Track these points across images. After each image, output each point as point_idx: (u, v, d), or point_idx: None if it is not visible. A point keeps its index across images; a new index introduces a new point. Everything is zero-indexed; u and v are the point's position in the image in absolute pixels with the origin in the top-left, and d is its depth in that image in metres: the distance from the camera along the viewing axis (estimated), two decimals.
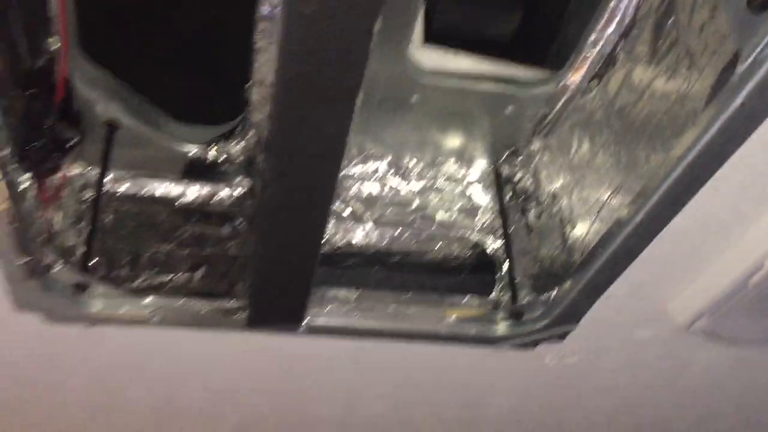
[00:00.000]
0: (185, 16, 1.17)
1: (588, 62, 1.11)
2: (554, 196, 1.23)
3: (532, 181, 1.28)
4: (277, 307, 1.07)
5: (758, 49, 0.70)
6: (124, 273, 1.14)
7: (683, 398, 1.45)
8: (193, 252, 1.19)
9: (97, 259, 1.12)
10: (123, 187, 1.20)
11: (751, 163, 0.84)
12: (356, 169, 1.30)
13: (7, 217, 0.89)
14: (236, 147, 1.25)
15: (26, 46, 0.88)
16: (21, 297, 1.04)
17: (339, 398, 1.42)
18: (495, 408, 1.48)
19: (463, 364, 1.29)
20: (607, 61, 1.08)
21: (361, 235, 1.28)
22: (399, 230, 1.30)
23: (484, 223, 1.32)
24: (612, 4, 1.04)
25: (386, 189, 1.31)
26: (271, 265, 0.97)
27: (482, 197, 1.33)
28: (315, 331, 1.13)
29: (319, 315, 1.13)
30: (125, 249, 1.16)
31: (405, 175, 1.32)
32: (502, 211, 1.30)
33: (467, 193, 1.34)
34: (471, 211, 1.33)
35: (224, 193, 1.24)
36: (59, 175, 1.06)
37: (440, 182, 1.33)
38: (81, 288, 1.07)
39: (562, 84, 1.17)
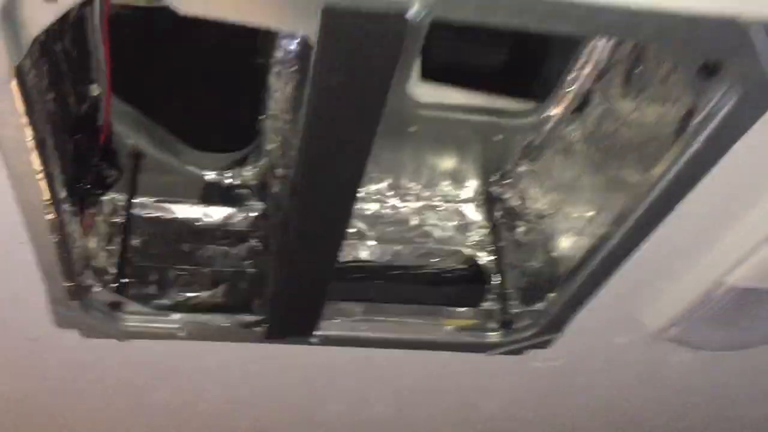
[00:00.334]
0: (203, 56, 1.28)
1: (569, 97, 1.24)
2: (540, 215, 1.35)
3: (520, 201, 1.40)
4: (293, 321, 1.19)
5: (710, 106, 0.82)
6: (152, 291, 1.26)
7: (658, 397, 1.58)
8: (214, 270, 1.30)
9: (128, 279, 1.24)
10: (148, 211, 1.32)
11: (712, 193, 0.96)
12: (359, 191, 1.42)
13: (55, 248, 1.00)
14: (250, 172, 1.37)
15: (73, 95, 1.00)
16: (61, 316, 1.15)
17: (346, 401, 1.54)
18: (488, 407, 1.61)
19: (458, 369, 1.41)
20: (586, 97, 1.20)
21: (365, 251, 1.40)
22: (399, 246, 1.42)
23: (476, 239, 1.44)
24: (589, 48, 1.16)
25: (387, 209, 1.43)
26: (290, 285, 1.09)
27: (474, 215, 1.45)
28: (326, 341, 1.25)
29: (329, 327, 1.25)
30: (153, 268, 1.28)
31: (404, 196, 1.44)
32: (493, 228, 1.42)
33: (461, 212, 1.46)
34: (464, 227, 1.45)
35: (240, 215, 1.36)
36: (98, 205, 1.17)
37: (436, 202, 1.45)
38: (116, 306, 1.18)
39: (545, 115, 1.29)
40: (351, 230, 1.40)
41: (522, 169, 1.39)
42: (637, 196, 1.00)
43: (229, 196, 1.36)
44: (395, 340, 1.28)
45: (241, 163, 1.38)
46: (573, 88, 1.23)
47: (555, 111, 1.28)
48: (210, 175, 1.36)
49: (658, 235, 1.03)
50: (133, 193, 1.29)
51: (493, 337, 1.30)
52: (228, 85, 1.30)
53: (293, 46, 1.09)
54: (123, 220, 1.26)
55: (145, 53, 1.23)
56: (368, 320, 1.27)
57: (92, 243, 1.21)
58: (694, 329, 1.20)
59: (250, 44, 1.15)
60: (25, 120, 0.78)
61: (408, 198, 1.44)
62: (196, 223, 1.34)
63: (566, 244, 1.27)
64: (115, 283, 1.20)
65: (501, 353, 1.32)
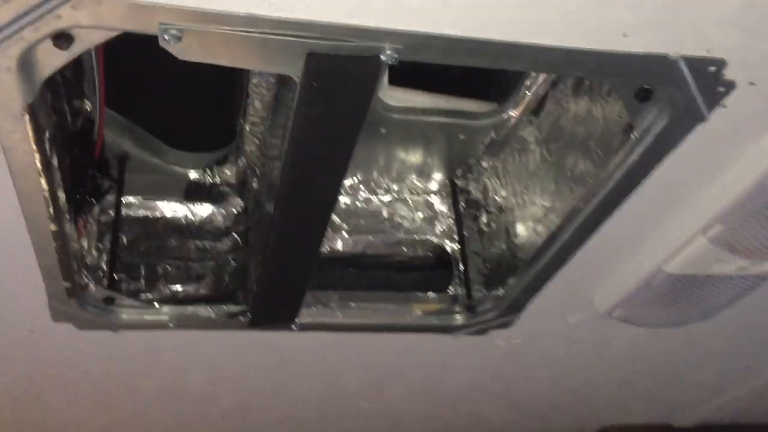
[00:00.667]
0: (185, 62, 1.35)
1: (525, 101, 1.35)
2: (500, 207, 1.46)
3: (483, 194, 1.51)
4: (275, 311, 1.29)
5: (645, 124, 0.94)
6: (142, 285, 1.36)
7: (610, 366, 1.72)
8: (198, 265, 1.40)
9: (118, 275, 1.33)
10: (136, 210, 1.40)
11: (649, 195, 1.08)
12: None
13: (56, 253, 1.08)
14: (230, 171, 1.46)
15: (69, 112, 1.08)
16: (58, 312, 1.24)
17: (322, 379, 1.65)
18: (455, 382, 1.73)
19: (427, 349, 1.53)
20: (542, 102, 1.31)
21: (339, 242, 1.51)
22: (371, 237, 1.52)
23: (443, 229, 1.55)
24: None
25: (359, 202, 1.53)
26: (273, 280, 1.19)
27: (441, 207, 1.56)
28: (305, 327, 1.36)
29: (308, 314, 1.36)
30: (142, 264, 1.37)
31: (375, 190, 1.54)
32: (458, 219, 1.53)
33: (428, 203, 1.57)
34: (432, 218, 1.56)
35: (222, 211, 1.45)
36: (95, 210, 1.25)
37: (405, 195, 1.56)
38: (109, 301, 1.27)
39: (505, 116, 1.40)
40: None
41: (484, 164, 1.50)
42: (587, 193, 1.11)
43: (211, 194, 1.45)
44: (368, 324, 1.39)
45: (222, 162, 1.47)
46: (530, 93, 1.34)
47: (513, 113, 1.38)
48: (193, 174, 1.45)
49: (605, 229, 1.15)
50: (120, 193, 1.37)
51: (458, 319, 1.41)
52: (208, 89, 1.38)
53: None
54: (112, 220, 1.34)
55: (129, 60, 1.30)
56: (343, 307, 1.38)
57: (84, 242, 1.30)
58: (637, 310, 1.33)
59: None
60: (34, 147, 0.86)
61: (379, 192, 1.54)
62: (181, 221, 1.43)
63: (524, 233, 1.39)
64: (107, 279, 1.29)
65: (466, 334, 1.44)
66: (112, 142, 1.35)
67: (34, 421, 1.78)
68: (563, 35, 0.79)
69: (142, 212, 1.40)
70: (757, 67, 0.85)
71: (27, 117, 0.82)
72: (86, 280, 1.21)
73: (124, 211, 1.38)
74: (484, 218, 1.51)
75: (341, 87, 0.80)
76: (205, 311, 1.32)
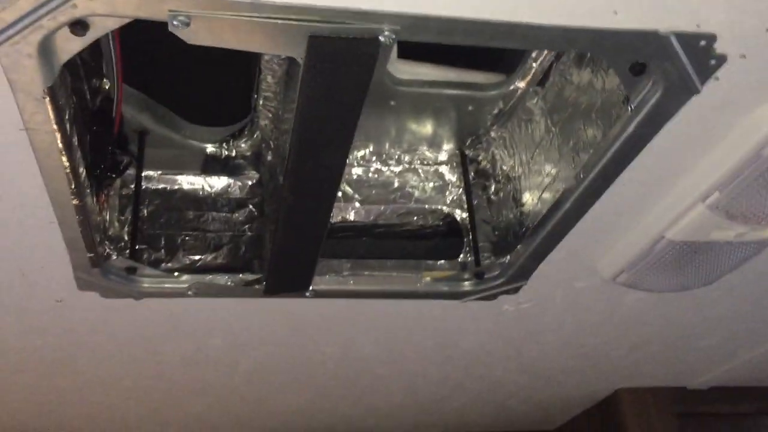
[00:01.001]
0: None
1: (531, 73, 1.37)
2: (508, 176, 1.50)
3: (491, 164, 1.55)
4: (289, 279, 1.34)
5: (639, 97, 0.97)
6: (162, 255, 1.41)
7: (618, 330, 1.75)
8: (216, 235, 1.45)
9: (140, 246, 1.39)
10: (155, 184, 1.45)
11: (649, 163, 1.11)
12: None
13: (79, 226, 1.14)
14: (245, 144, 1.50)
15: (89, 91, 1.13)
16: (83, 281, 1.31)
17: (339, 343, 1.71)
18: (467, 346, 1.78)
19: (438, 314, 1.58)
20: (546, 75, 1.34)
21: (351, 212, 1.55)
22: (383, 207, 1.56)
23: (453, 198, 1.59)
24: None
25: (371, 173, 1.57)
26: (285, 249, 1.24)
27: (451, 176, 1.60)
28: (319, 294, 1.41)
29: (321, 282, 1.41)
30: (162, 235, 1.43)
31: (386, 161, 1.58)
32: (467, 188, 1.57)
33: (439, 173, 1.60)
34: (442, 188, 1.59)
35: (238, 183, 1.50)
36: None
37: (416, 165, 1.59)
38: (131, 270, 1.33)
39: (512, 87, 1.43)
40: (338, 194, 1.55)
41: (492, 135, 1.53)
42: (589, 162, 1.14)
43: (227, 167, 1.50)
44: (379, 291, 1.44)
45: (237, 136, 1.51)
46: (536, 65, 1.36)
47: (520, 84, 1.41)
48: (210, 148, 1.50)
49: (607, 197, 1.19)
50: (140, 167, 1.42)
51: (467, 286, 1.46)
52: (224, 66, 1.42)
53: None
54: (133, 193, 1.40)
55: (148, 39, 1.34)
56: (355, 275, 1.43)
57: (107, 215, 1.36)
58: (641, 275, 1.36)
59: None
60: (56, 127, 0.91)
61: (390, 163, 1.58)
62: (199, 193, 1.48)
63: (531, 202, 1.42)
64: (128, 250, 1.35)
65: (475, 299, 1.48)
66: (131, 118, 1.39)
67: (67, 386, 1.87)
68: (556, 13, 0.82)
69: (161, 185, 1.45)
70: (747, 41, 0.87)
71: (48, 99, 0.87)
72: (108, 250, 1.27)
73: (144, 184, 1.43)
74: (492, 187, 1.55)
75: (342, 67, 0.84)
76: (223, 280, 1.38)
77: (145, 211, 1.43)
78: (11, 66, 0.81)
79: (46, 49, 0.80)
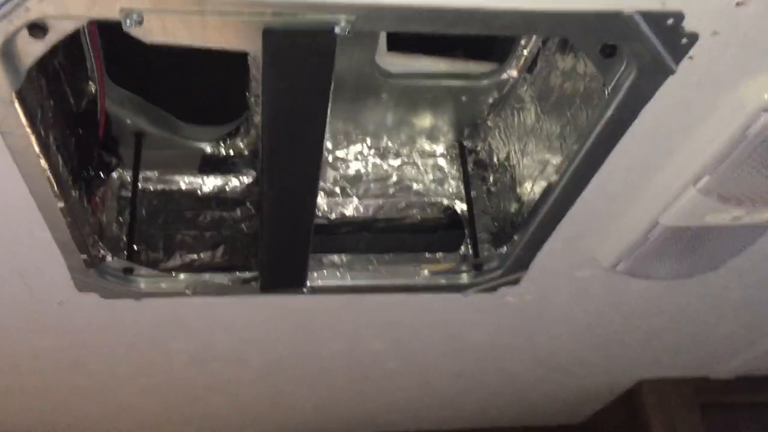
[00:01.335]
0: None
1: (522, 60, 1.35)
2: (504, 166, 1.48)
3: (489, 154, 1.53)
4: (283, 274, 1.35)
5: (615, 79, 0.95)
6: (160, 255, 1.43)
7: (629, 320, 1.72)
8: (214, 234, 1.46)
9: (137, 246, 1.40)
10: (153, 184, 1.47)
11: (634, 147, 1.09)
12: (342, 153, 1.56)
13: (68, 228, 1.16)
14: (241, 143, 1.51)
15: (73, 94, 1.14)
16: (81, 282, 1.33)
17: (344, 339, 1.71)
18: (475, 338, 1.77)
19: (439, 307, 1.57)
20: (534, 62, 1.32)
21: (351, 208, 1.55)
22: (382, 201, 1.56)
23: (452, 190, 1.58)
24: None
25: (369, 167, 1.57)
26: (273, 246, 1.24)
27: (450, 168, 1.58)
28: (316, 290, 1.41)
29: (318, 278, 1.41)
30: (160, 235, 1.44)
31: (384, 155, 1.57)
32: (466, 179, 1.55)
33: (437, 165, 1.59)
34: (441, 180, 1.58)
35: (235, 181, 1.51)
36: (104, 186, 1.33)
37: (414, 158, 1.58)
38: (128, 271, 1.35)
39: (505, 75, 1.41)
40: (336, 189, 1.55)
41: (489, 124, 1.51)
42: (573, 148, 1.12)
43: (225, 166, 1.51)
44: (378, 285, 1.44)
45: (234, 134, 1.52)
46: (526, 51, 1.34)
47: (513, 72, 1.39)
48: (207, 147, 1.51)
49: (596, 183, 1.16)
50: (138, 168, 1.44)
51: (465, 278, 1.44)
52: (218, 64, 1.43)
53: None
54: (131, 194, 1.41)
55: (137, 45, 1.36)
56: (352, 270, 1.43)
57: (105, 217, 1.37)
58: (641, 262, 1.33)
59: None
60: (29, 130, 0.93)
61: (388, 156, 1.57)
62: (197, 192, 1.49)
63: (527, 191, 1.40)
64: (126, 250, 1.37)
65: (475, 292, 1.47)
66: (128, 121, 1.41)
67: (82, 386, 1.90)
68: None
69: (160, 186, 1.47)
70: (717, 17, 0.85)
71: (17, 103, 0.88)
72: (103, 252, 1.29)
73: (142, 185, 1.45)
74: (491, 178, 1.53)
75: (300, 60, 0.84)
76: (220, 278, 1.39)
77: (144, 212, 1.44)
78: None
79: (7, 53, 0.82)
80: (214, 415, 2.24)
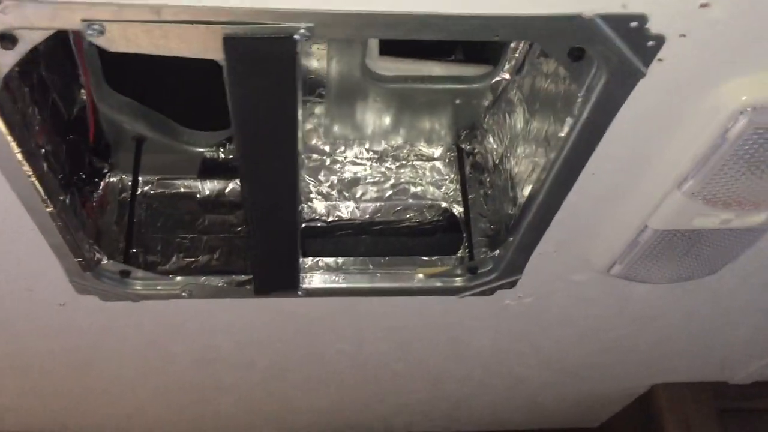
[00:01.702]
0: None
1: (512, 63, 1.35)
2: (499, 169, 1.47)
3: (485, 157, 1.53)
4: (274, 278, 1.36)
5: (587, 82, 0.94)
6: (158, 258, 1.45)
7: (634, 324, 1.70)
8: (211, 237, 1.49)
9: (135, 249, 1.43)
10: (153, 188, 1.50)
11: (613, 151, 1.07)
12: (340, 156, 1.57)
13: (60, 232, 1.18)
14: None
15: (63, 102, 1.17)
16: (80, 285, 1.35)
17: (347, 341, 1.72)
18: (477, 343, 1.76)
19: (436, 311, 1.56)
20: (522, 65, 1.31)
21: (348, 210, 1.56)
22: (379, 204, 1.56)
23: (450, 193, 1.58)
24: None
25: (366, 170, 1.57)
26: (261, 250, 1.25)
27: (447, 171, 1.58)
28: (311, 293, 1.42)
29: (313, 280, 1.42)
30: (157, 239, 1.47)
31: (381, 158, 1.58)
32: (463, 182, 1.55)
33: (434, 168, 1.59)
34: (439, 183, 1.58)
35: (233, 185, 1.53)
36: (100, 190, 1.36)
37: (411, 161, 1.59)
38: (125, 274, 1.37)
39: (498, 78, 1.41)
40: (334, 192, 1.56)
41: (484, 126, 1.51)
42: (554, 151, 1.12)
43: (223, 170, 1.53)
44: (373, 289, 1.44)
45: (232, 139, 1.54)
46: (517, 54, 1.34)
47: (506, 75, 1.39)
48: (206, 152, 1.53)
49: (580, 186, 1.15)
50: (138, 172, 1.47)
51: (460, 281, 1.44)
52: (216, 69, 1.45)
53: None
54: (129, 197, 1.44)
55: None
56: (347, 272, 1.43)
57: (104, 221, 1.40)
58: (635, 266, 1.31)
59: None
60: (10, 138, 0.95)
61: (385, 159, 1.58)
62: (196, 196, 1.52)
63: (520, 194, 1.40)
64: (123, 253, 1.40)
65: (471, 295, 1.46)
66: (128, 126, 1.44)
67: (92, 387, 1.94)
68: (473, 2, 0.81)
69: (159, 190, 1.50)
70: (682, 19, 0.84)
71: None
72: (98, 255, 1.31)
73: (142, 189, 1.48)
74: (487, 181, 1.52)
75: (262, 68, 0.85)
76: (216, 281, 1.41)
77: (143, 216, 1.47)
78: None
79: None
80: (228, 416, 2.27)
